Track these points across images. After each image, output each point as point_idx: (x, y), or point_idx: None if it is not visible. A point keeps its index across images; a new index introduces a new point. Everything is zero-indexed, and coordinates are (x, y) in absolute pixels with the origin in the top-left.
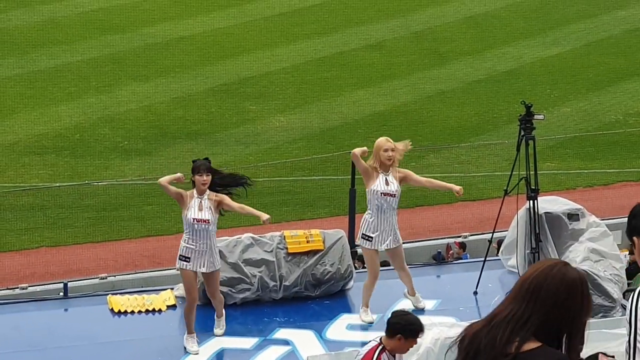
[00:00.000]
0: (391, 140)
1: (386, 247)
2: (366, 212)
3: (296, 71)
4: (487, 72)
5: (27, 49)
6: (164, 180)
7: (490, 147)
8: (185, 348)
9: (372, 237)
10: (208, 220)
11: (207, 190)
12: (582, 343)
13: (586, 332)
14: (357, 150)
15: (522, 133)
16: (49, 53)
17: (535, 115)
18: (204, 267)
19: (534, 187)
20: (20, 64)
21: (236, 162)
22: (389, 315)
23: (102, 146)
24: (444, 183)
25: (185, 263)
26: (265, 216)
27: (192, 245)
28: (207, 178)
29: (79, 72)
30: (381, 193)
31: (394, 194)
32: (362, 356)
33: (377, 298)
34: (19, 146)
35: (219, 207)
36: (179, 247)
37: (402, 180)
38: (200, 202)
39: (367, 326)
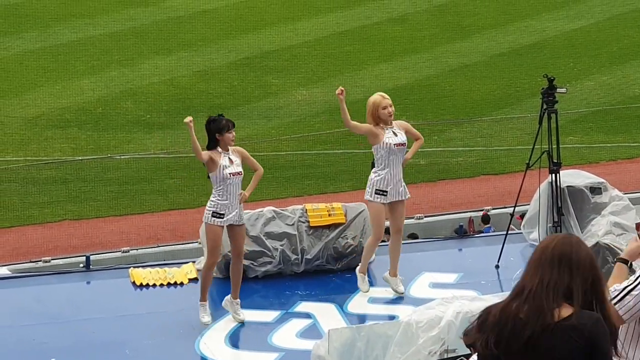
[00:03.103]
0: (386, 95)
1: (400, 198)
2: (373, 171)
3: (318, 45)
4: (509, 46)
5: (50, 23)
6: (196, 149)
7: (513, 121)
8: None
9: (386, 191)
10: (241, 172)
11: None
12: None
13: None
14: (343, 117)
15: (545, 106)
16: (71, 26)
17: (557, 89)
18: (235, 220)
19: (556, 161)
20: (42, 38)
21: (259, 135)
22: None
23: (124, 119)
24: (415, 146)
25: (218, 220)
26: (246, 196)
27: (226, 200)
28: (234, 133)
29: (102, 45)
30: (394, 144)
31: (405, 143)
32: None
33: None
34: (41, 120)
35: (244, 160)
36: (208, 205)
37: (405, 131)
38: (229, 157)
39: (389, 299)
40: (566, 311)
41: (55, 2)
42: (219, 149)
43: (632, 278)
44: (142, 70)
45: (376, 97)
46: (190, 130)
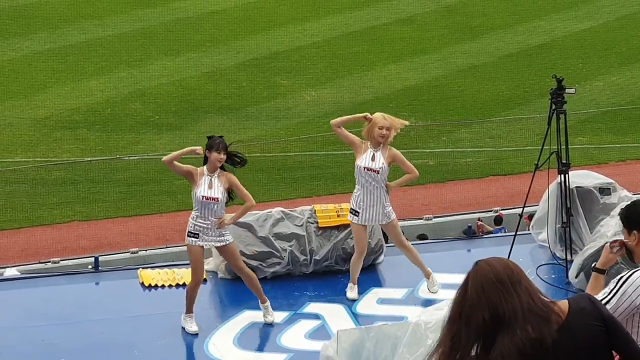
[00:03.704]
0: (388, 118)
1: (378, 223)
2: (355, 187)
3: (327, 45)
4: (518, 46)
5: (59, 24)
6: (168, 157)
7: (522, 121)
8: (184, 328)
9: (358, 212)
10: (217, 198)
11: (218, 169)
12: None
13: None
14: (339, 120)
15: (554, 107)
16: (80, 27)
17: (566, 89)
18: (214, 242)
19: (565, 162)
20: (51, 39)
21: (267, 136)
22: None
23: (133, 120)
24: (405, 178)
25: (193, 239)
26: (225, 223)
27: (201, 222)
28: (223, 156)
29: (110, 46)
30: (364, 168)
31: (378, 170)
32: None
33: (405, 273)
34: (50, 121)
35: (229, 188)
36: (188, 223)
37: (391, 161)
38: (211, 180)
39: (398, 300)
40: (563, 305)
41: (64, 3)
42: (205, 169)
43: (607, 290)
44: (151, 71)
45: (378, 115)
46: (182, 153)
